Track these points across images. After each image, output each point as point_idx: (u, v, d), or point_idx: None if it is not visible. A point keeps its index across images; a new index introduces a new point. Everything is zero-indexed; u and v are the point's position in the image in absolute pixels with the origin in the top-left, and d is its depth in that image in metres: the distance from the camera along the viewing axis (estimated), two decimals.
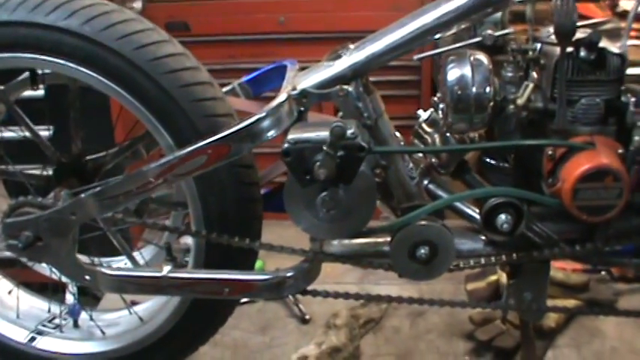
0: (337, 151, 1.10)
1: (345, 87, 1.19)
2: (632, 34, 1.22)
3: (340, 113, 1.24)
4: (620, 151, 1.14)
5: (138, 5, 2.90)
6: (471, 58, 1.18)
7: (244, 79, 1.47)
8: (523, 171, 1.28)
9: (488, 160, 1.33)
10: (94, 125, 1.53)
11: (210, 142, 1.16)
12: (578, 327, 1.82)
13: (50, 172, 1.50)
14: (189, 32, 2.83)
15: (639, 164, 1.13)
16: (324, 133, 1.10)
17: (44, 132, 1.69)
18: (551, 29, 1.15)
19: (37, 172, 1.52)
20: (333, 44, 2.98)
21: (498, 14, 1.26)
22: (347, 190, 1.14)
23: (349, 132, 1.11)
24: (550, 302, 1.35)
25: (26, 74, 1.46)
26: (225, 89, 1.39)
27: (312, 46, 2.87)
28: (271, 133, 1.17)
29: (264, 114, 1.15)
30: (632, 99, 1.15)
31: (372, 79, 1.28)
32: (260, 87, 1.48)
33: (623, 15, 2.32)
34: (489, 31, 1.27)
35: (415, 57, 1.39)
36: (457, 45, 1.27)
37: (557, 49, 1.13)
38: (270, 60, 2.77)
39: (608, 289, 1.93)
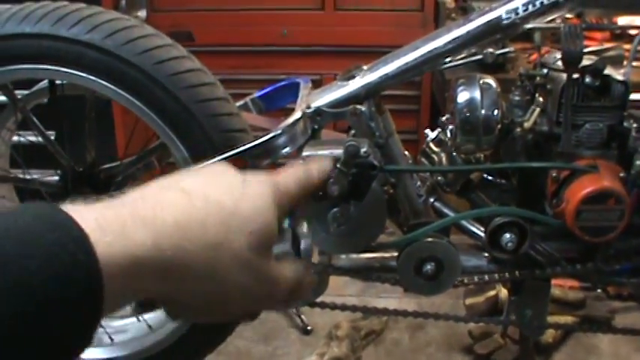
0: (350, 168, 1.13)
1: (359, 107, 1.23)
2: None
3: (352, 131, 1.27)
4: (621, 174, 1.17)
5: (142, 14, 2.92)
6: (481, 82, 1.22)
7: (257, 94, 1.50)
8: (526, 191, 1.31)
9: (485, 176, 1.37)
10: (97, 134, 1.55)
11: (228, 157, 1.18)
12: (575, 343, 1.85)
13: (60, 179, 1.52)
14: (193, 42, 2.84)
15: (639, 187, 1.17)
16: (338, 151, 1.13)
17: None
18: (558, 55, 1.20)
19: (49, 179, 1.54)
20: (335, 58, 3.03)
21: None
22: (358, 207, 1.17)
23: (362, 151, 1.14)
24: (547, 318, 1.39)
25: (44, 83, 1.49)
26: (238, 104, 1.42)
27: (314, 60, 2.91)
28: (286, 150, 1.20)
29: (280, 131, 1.18)
30: (634, 125, 1.19)
31: None
32: (272, 103, 1.50)
33: (620, 36, 2.38)
34: (490, 50, 1.31)
35: None
36: (458, 62, 1.30)
37: (564, 75, 1.17)
38: (272, 72, 2.82)
39: (604, 306, 1.97)
